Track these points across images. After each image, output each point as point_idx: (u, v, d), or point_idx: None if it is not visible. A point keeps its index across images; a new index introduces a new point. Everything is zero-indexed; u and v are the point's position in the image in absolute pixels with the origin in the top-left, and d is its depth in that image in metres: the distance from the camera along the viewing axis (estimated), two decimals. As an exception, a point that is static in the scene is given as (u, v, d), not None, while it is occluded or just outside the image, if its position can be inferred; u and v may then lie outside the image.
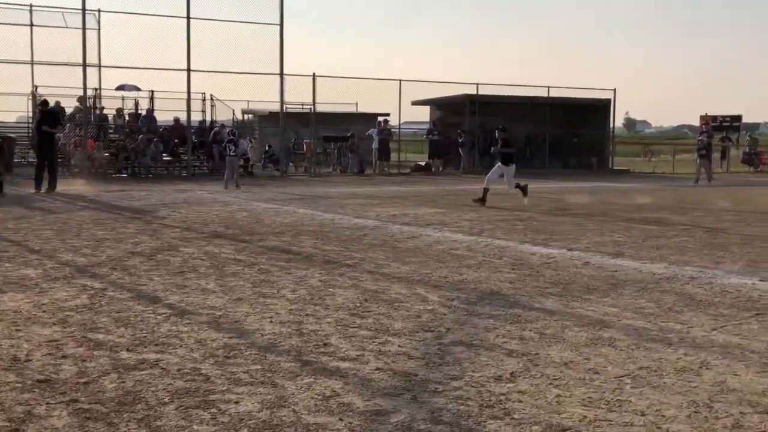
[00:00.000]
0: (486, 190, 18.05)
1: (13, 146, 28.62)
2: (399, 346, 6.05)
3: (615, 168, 39.39)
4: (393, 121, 35.28)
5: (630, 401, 4.79)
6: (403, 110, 34.18)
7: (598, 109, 39.05)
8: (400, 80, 33.01)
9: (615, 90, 38.63)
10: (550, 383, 5.12)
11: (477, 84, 35.59)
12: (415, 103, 36.88)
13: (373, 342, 6.15)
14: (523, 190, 18.41)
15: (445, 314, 7.14)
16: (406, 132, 39.82)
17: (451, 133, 36.44)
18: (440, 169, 35.31)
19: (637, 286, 8.48)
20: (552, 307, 7.41)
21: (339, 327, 6.62)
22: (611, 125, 39.97)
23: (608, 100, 38.77)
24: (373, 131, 34.29)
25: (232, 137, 24.51)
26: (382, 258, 10.36)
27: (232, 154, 24.13)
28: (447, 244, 11.73)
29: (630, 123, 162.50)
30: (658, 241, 12.13)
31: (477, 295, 8.03)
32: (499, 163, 18.46)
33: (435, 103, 38.73)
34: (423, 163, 36.16)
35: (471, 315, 7.09)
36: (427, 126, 39.38)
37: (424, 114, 40.48)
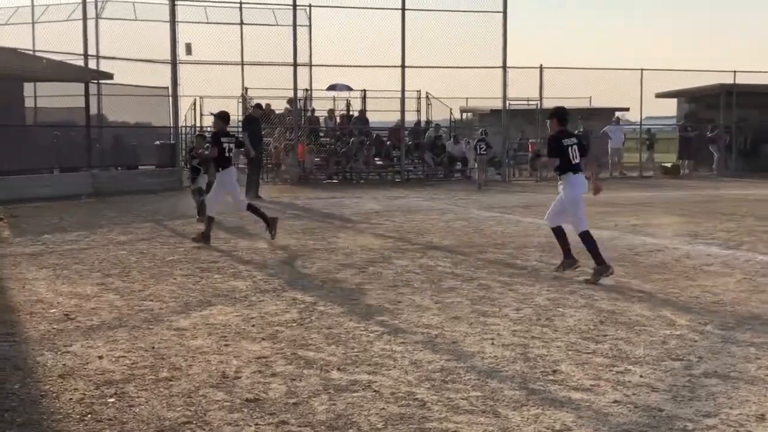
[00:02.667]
0: None
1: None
2: (641, 376, 5.86)
3: None
4: (633, 116, 34.26)
5: None
6: (646, 104, 33.07)
7: None
8: (642, 69, 31.95)
9: None
10: (829, 428, 4.76)
11: (734, 72, 33.78)
12: (659, 96, 35.58)
13: (611, 371, 5.99)
14: None
15: (695, 340, 6.86)
16: (651, 128, 38.46)
17: (702, 130, 34.84)
18: (690, 171, 33.84)
19: None
20: (831, 336, 6.89)
21: (570, 352, 6.50)
22: None
23: None
24: (609, 128, 33.47)
25: (483, 136, 27.09)
26: (620, 274, 10.09)
27: (482, 152, 26.70)
28: (699, 259, 11.24)
29: None
30: None
31: (735, 318, 7.64)
32: None
33: (683, 95, 37.19)
34: (669, 165, 34.81)
35: (727, 342, 6.77)
36: (673, 121, 37.86)
37: (669, 108, 39.00)
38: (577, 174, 9.93)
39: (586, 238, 9.86)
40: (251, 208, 13.36)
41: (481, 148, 26.83)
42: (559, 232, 10.20)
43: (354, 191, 24.32)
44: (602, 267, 9.67)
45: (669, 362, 6.22)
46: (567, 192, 9.97)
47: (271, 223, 13.17)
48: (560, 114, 10.17)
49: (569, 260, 10.18)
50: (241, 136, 17.86)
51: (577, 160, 9.89)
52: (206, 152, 13.73)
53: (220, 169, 12.97)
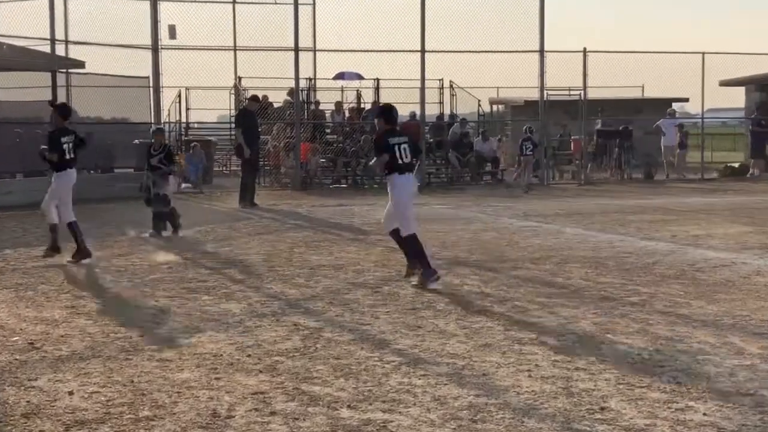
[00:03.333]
0: None
1: (212, 151, 30.68)
2: (704, 414, 5.84)
3: None
4: (694, 107, 34.19)
5: None
6: (708, 93, 32.96)
7: None
8: (703, 53, 31.84)
9: None
10: None
11: (815, 54, 33.66)
12: (724, 84, 35.50)
13: (669, 408, 5.97)
14: None
15: (769, 372, 6.83)
16: (713, 123, 38.30)
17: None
18: (759, 172, 33.65)
19: None
20: None
21: (621, 386, 6.48)
22: None
23: None
24: (663, 122, 33.37)
25: (529, 135, 28.06)
26: (679, 294, 10.07)
27: (528, 153, 27.71)
28: (771, 276, 11.23)
29: None
30: None
31: (816, 346, 7.61)
32: None
33: (753, 83, 37.04)
34: (737, 165, 34.65)
35: (807, 375, 6.74)
36: (741, 114, 37.73)
37: (737, 98, 38.88)
38: (403, 174, 10.85)
39: (411, 241, 10.85)
40: (72, 228, 12.82)
41: (527, 148, 27.73)
42: (395, 237, 11.13)
43: (365, 197, 24.34)
44: (430, 271, 10.66)
45: (737, 398, 6.18)
46: (392, 193, 10.98)
47: (78, 255, 12.70)
48: (386, 112, 11.21)
49: (411, 266, 11.06)
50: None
51: (406, 160, 10.81)
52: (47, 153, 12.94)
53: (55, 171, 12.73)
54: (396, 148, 10.72)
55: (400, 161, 10.74)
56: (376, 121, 11.08)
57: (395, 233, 11.09)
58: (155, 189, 15.81)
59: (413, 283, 10.76)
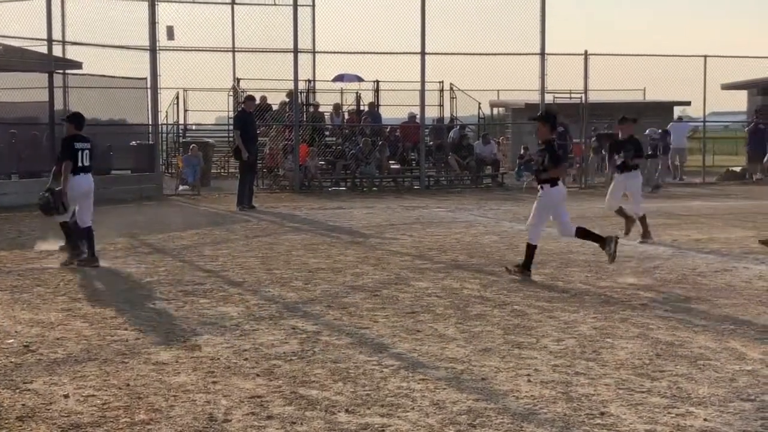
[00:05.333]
0: None
1: (210, 153, 30.68)
2: (705, 419, 5.84)
3: None
4: (696, 111, 34.18)
5: None
6: (710, 97, 32.99)
7: None
8: (705, 56, 31.90)
9: None
10: None
11: (818, 58, 33.67)
12: (726, 87, 35.52)
13: (669, 413, 5.97)
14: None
15: (770, 378, 6.83)
16: (715, 127, 38.31)
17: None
18: (764, 176, 33.65)
19: None
20: None
21: (621, 391, 6.49)
22: None
23: None
24: (674, 126, 33.36)
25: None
26: (680, 298, 10.09)
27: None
28: (773, 281, 11.23)
29: None
30: None
31: (818, 352, 7.61)
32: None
33: (756, 86, 37.05)
34: (738, 169, 34.68)
35: (809, 380, 6.74)
36: (743, 117, 37.72)
37: (739, 101, 38.90)
38: (79, 175, 12.49)
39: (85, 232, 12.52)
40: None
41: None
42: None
43: (365, 200, 24.36)
44: (81, 255, 12.48)
45: (738, 403, 6.19)
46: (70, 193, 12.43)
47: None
48: (76, 120, 12.98)
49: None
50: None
51: (87, 164, 12.59)
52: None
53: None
54: (80, 153, 12.49)
55: (80, 164, 12.48)
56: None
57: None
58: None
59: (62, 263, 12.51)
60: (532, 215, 11.67)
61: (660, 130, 31.71)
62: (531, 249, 11.55)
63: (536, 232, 11.61)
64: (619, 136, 15.34)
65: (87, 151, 12.80)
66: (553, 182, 11.49)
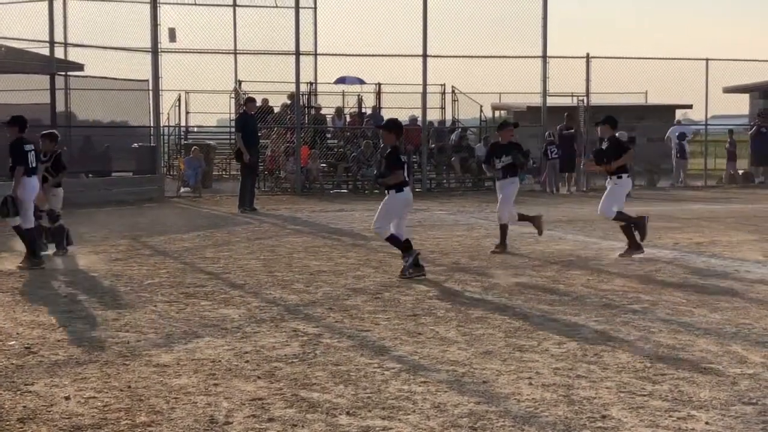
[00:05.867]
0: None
1: (212, 155, 30.71)
2: (707, 423, 5.84)
3: None
4: (698, 114, 34.14)
5: None
6: (712, 100, 32.99)
7: None
8: (707, 59, 31.90)
9: None
10: None
11: (819, 61, 33.67)
12: (728, 90, 35.52)
13: (670, 416, 5.97)
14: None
15: (772, 381, 6.82)
16: (717, 130, 38.32)
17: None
18: (760, 179, 33.64)
19: None
20: None
21: (622, 394, 6.48)
22: None
23: None
24: (674, 129, 33.37)
25: (553, 138, 28.79)
26: (681, 302, 10.07)
27: (554, 156, 28.61)
28: (775, 284, 11.22)
29: None
30: None
31: (819, 356, 7.60)
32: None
33: (758, 90, 37.05)
34: (741, 172, 34.64)
35: (811, 384, 6.73)
36: (745, 121, 37.71)
37: (740, 105, 38.89)
38: (31, 177, 12.74)
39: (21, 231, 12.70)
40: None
41: (552, 152, 28.70)
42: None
43: (366, 203, 24.33)
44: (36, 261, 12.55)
45: (740, 407, 6.18)
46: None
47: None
48: (19, 122, 12.84)
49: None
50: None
51: (35, 165, 12.83)
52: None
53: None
54: (29, 155, 12.68)
55: (29, 165, 12.70)
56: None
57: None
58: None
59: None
60: (378, 213, 12.05)
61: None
62: (392, 239, 11.91)
63: (383, 228, 11.98)
64: (500, 141, 14.88)
65: (33, 153, 12.89)
66: (398, 188, 11.84)
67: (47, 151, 14.11)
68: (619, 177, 13.90)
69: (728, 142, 34.20)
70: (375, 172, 12.75)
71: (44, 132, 14.64)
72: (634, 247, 13.50)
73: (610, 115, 14.56)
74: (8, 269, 12.61)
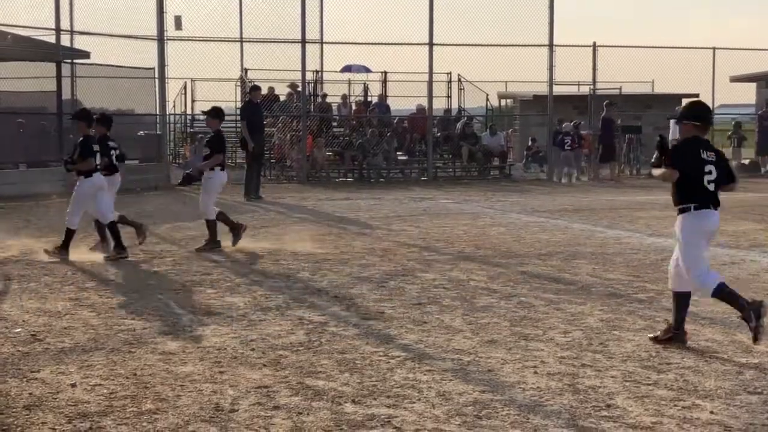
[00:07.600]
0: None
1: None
2: (711, 412, 5.84)
3: None
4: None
5: None
6: (719, 89, 32.90)
7: None
8: (714, 48, 31.83)
9: None
10: None
11: (827, 50, 33.55)
12: (735, 80, 35.44)
13: (675, 405, 5.97)
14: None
15: (777, 371, 6.82)
16: (723, 119, 38.25)
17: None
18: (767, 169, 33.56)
19: None
20: None
21: (627, 383, 6.49)
22: None
23: None
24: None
25: (566, 130, 28.83)
26: (687, 291, 10.05)
27: (568, 147, 28.60)
28: (781, 274, 11.21)
29: None
30: None
31: (825, 345, 7.60)
32: None
33: (765, 78, 36.96)
34: (747, 161, 34.58)
35: (816, 373, 6.73)
36: (752, 110, 37.60)
37: (747, 94, 38.79)
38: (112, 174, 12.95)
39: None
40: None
41: (566, 144, 28.76)
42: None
43: (372, 191, 24.35)
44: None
45: (745, 396, 6.18)
46: None
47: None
48: (107, 122, 13.12)
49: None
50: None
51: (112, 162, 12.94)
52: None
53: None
54: None
55: None
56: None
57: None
58: None
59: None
60: (70, 204, 12.52)
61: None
62: (69, 233, 12.33)
63: (73, 219, 12.38)
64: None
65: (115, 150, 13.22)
66: (88, 174, 12.32)
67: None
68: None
69: (732, 131, 34.12)
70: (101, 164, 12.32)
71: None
72: None
73: (212, 109, 14.07)
74: (93, 259, 12.48)
